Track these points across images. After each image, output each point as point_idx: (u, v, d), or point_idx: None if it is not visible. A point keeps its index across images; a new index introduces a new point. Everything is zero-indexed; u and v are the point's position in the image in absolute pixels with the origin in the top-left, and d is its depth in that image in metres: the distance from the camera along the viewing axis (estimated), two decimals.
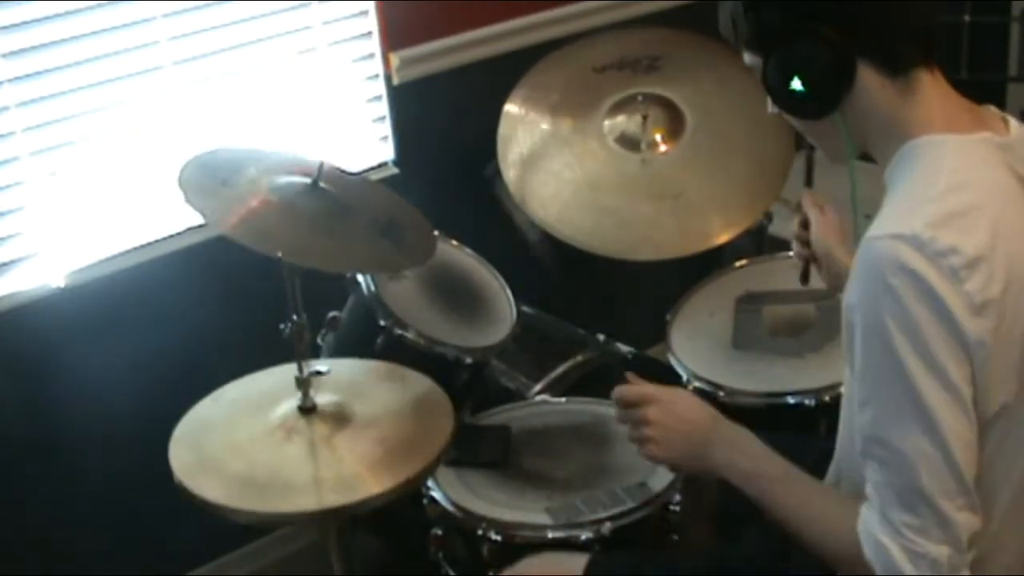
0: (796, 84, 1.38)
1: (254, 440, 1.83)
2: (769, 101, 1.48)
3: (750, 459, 1.54)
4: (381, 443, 1.80)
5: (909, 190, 1.36)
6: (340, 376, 1.94)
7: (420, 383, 1.96)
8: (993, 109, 1.47)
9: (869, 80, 1.38)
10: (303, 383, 1.85)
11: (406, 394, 1.93)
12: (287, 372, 1.88)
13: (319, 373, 1.89)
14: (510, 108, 2.50)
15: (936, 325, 1.28)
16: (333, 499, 1.71)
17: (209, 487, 1.73)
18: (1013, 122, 1.45)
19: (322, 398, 1.88)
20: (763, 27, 1.40)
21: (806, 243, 1.96)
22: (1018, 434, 1.39)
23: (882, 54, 1.38)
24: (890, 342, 1.29)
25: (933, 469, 1.30)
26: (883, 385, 1.32)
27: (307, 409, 1.86)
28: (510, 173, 2.43)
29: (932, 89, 1.41)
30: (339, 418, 1.86)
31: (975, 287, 1.29)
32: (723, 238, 2.34)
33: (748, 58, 1.46)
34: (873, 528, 1.35)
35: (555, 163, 2.43)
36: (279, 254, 1.73)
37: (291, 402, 1.87)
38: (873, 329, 1.31)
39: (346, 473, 1.76)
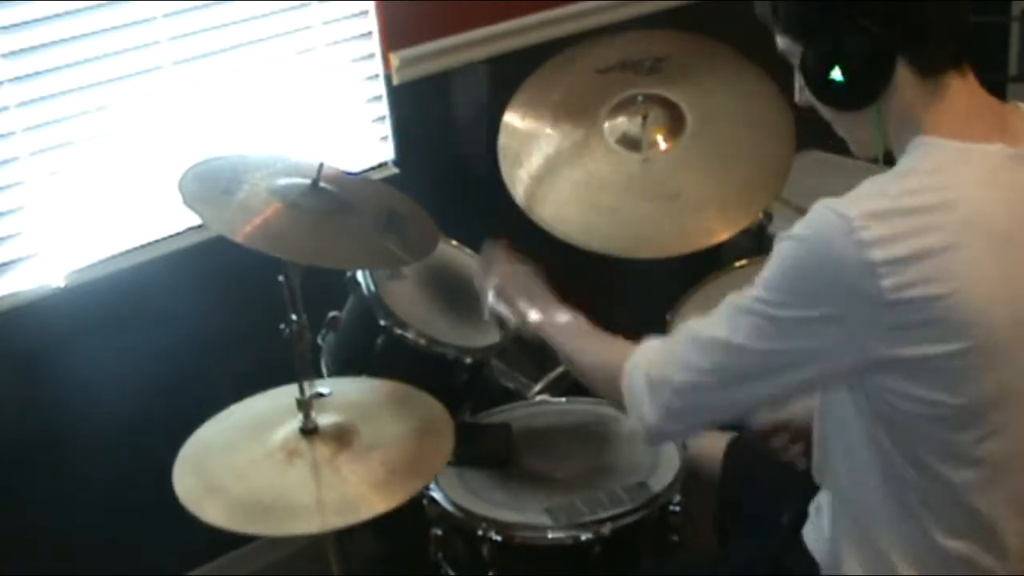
0: (836, 74, 1.39)
1: (256, 463, 1.82)
2: (797, 89, 1.49)
3: (538, 306, 1.80)
4: (383, 463, 1.80)
5: (883, 178, 1.38)
6: (341, 396, 1.93)
7: (421, 401, 1.96)
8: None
9: (903, 77, 1.39)
10: (304, 405, 1.85)
11: (407, 413, 1.93)
12: (288, 393, 1.87)
13: (320, 395, 1.88)
14: (512, 111, 2.50)
15: (830, 300, 1.33)
16: (336, 521, 1.71)
17: (213, 512, 1.72)
18: None
19: (324, 419, 1.87)
20: (807, 14, 1.41)
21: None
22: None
23: (919, 53, 1.38)
24: (773, 279, 1.39)
25: (697, 370, 1.45)
26: (753, 292, 1.42)
27: (309, 431, 1.86)
28: (511, 174, 2.43)
29: (959, 93, 1.41)
30: (341, 439, 1.86)
31: (891, 284, 1.30)
32: (722, 236, 2.33)
33: (783, 43, 1.47)
34: (636, 363, 1.54)
35: (556, 164, 2.43)
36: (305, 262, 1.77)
37: (292, 424, 1.87)
38: (774, 262, 1.39)
39: (349, 494, 1.75)
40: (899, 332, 1.32)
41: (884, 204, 1.33)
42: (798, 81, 1.49)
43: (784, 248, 1.38)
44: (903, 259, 1.30)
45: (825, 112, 1.48)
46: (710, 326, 1.46)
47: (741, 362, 1.42)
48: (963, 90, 1.42)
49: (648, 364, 1.53)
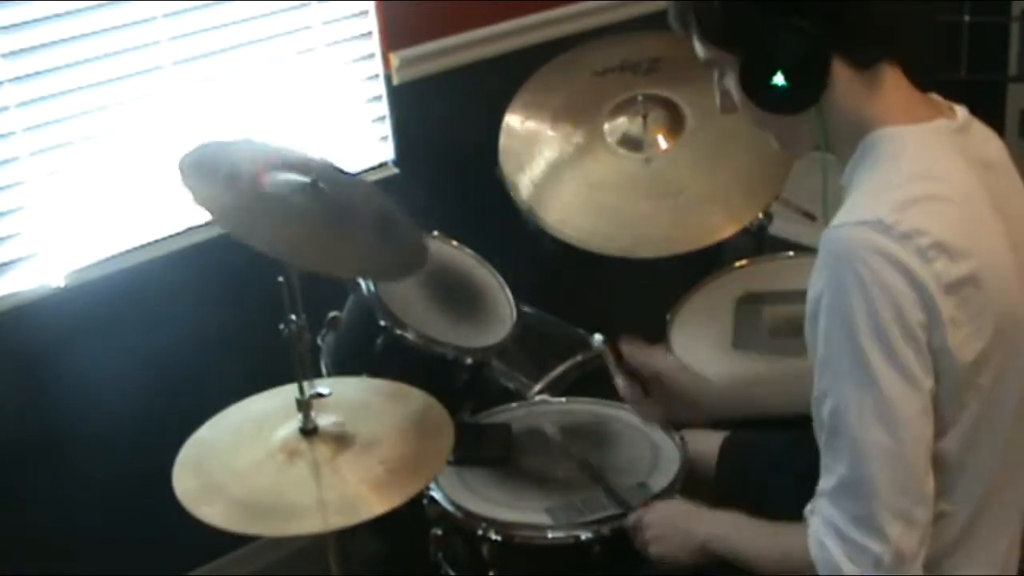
0: (779, 79, 1.37)
1: (256, 463, 1.82)
2: (719, 95, 1.48)
3: (726, 524, 1.63)
4: (383, 463, 1.80)
5: (872, 179, 1.37)
6: (341, 396, 1.93)
7: (421, 401, 1.96)
8: (937, 97, 1.48)
9: (839, 73, 1.38)
10: (304, 405, 1.85)
11: (407, 413, 1.93)
12: (288, 393, 1.87)
13: (320, 395, 1.88)
14: (512, 113, 2.51)
15: (906, 306, 1.29)
16: (337, 521, 1.71)
17: (213, 513, 1.72)
18: (959, 109, 1.46)
19: (323, 419, 1.87)
20: (739, 21, 1.38)
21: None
22: (998, 401, 1.40)
23: (853, 47, 1.38)
24: (853, 330, 1.30)
25: (888, 463, 1.31)
26: (844, 373, 1.32)
27: (309, 431, 1.85)
28: (513, 176, 2.43)
29: (893, 82, 1.42)
30: (341, 439, 1.85)
31: (942, 268, 1.30)
32: (724, 234, 2.34)
33: (708, 53, 1.45)
34: (818, 530, 1.37)
35: (558, 166, 2.43)
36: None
37: (292, 424, 1.86)
38: (837, 318, 1.31)
39: (349, 495, 1.75)
40: (959, 316, 1.31)
41: (899, 196, 1.32)
42: (720, 89, 1.48)
43: (821, 310, 1.32)
44: (940, 242, 1.30)
45: (756, 115, 1.45)
46: (853, 438, 1.33)
47: (909, 436, 1.32)
48: (894, 78, 1.42)
49: (830, 511, 1.38)
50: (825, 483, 1.37)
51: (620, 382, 1.93)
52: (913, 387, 1.31)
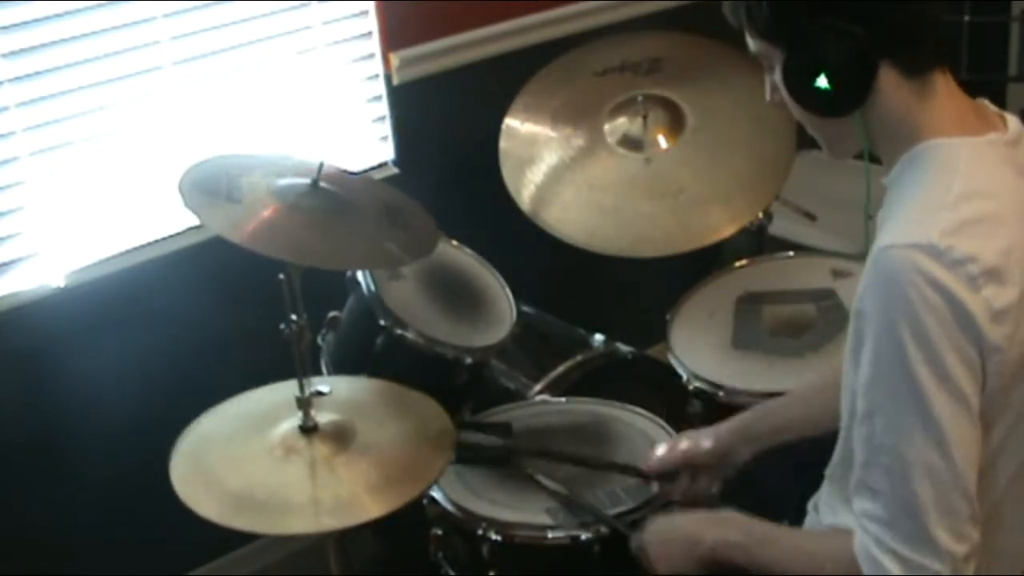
0: (821, 81, 1.36)
1: (254, 458, 1.82)
2: (769, 91, 1.47)
3: (737, 529, 1.58)
4: (381, 466, 1.79)
5: (922, 196, 1.35)
6: (342, 396, 1.93)
7: (421, 404, 1.95)
8: (988, 104, 1.46)
9: (887, 80, 1.37)
10: (304, 403, 1.85)
11: (407, 415, 1.92)
12: (289, 389, 1.87)
13: (320, 393, 1.88)
14: (512, 115, 2.51)
15: (955, 332, 1.28)
16: (330, 522, 1.70)
17: (206, 504, 1.72)
18: (1010, 118, 1.45)
19: (323, 417, 1.87)
20: (787, 19, 1.37)
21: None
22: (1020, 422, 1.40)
23: (904, 54, 1.37)
24: (903, 352, 1.28)
25: (937, 480, 1.30)
26: (893, 395, 1.31)
27: (308, 429, 1.85)
28: (513, 177, 2.43)
29: (945, 91, 1.40)
30: (340, 439, 1.85)
31: (991, 294, 1.28)
32: (725, 233, 2.34)
33: (758, 46, 1.44)
34: (870, 545, 1.35)
35: (558, 167, 2.43)
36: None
37: (292, 421, 1.86)
38: (886, 338, 1.30)
39: (344, 495, 1.75)
40: (1002, 343, 1.30)
41: (952, 218, 1.30)
42: (769, 82, 1.47)
43: (868, 329, 1.31)
44: (992, 268, 1.29)
45: (800, 115, 1.45)
46: (901, 456, 1.31)
47: (958, 454, 1.30)
48: (947, 87, 1.41)
49: (880, 532, 1.34)
50: (871, 504, 1.35)
51: (669, 491, 1.88)
52: (965, 407, 1.30)
